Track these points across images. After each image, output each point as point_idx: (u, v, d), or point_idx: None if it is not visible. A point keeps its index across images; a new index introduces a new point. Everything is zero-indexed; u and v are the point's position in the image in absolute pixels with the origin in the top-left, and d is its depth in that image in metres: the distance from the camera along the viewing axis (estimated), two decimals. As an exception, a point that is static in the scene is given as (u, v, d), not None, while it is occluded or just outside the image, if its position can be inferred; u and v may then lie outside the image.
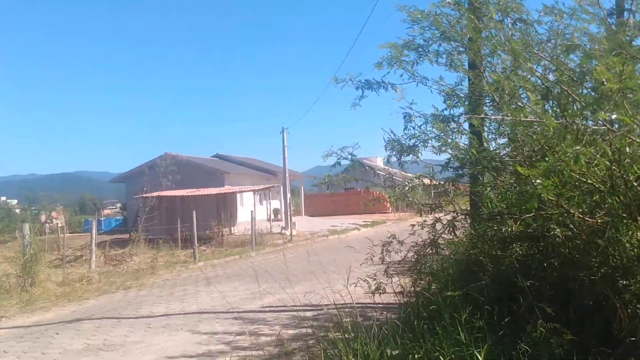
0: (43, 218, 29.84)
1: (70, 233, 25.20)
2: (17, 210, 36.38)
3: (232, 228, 27.15)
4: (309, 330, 6.22)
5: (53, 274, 13.20)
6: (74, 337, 7.48)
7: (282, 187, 32.28)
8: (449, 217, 5.28)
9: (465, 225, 5.82)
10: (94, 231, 15.38)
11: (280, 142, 29.13)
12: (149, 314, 9.04)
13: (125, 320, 8.51)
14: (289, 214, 26.57)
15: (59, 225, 28.75)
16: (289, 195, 28.90)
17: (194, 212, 18.97)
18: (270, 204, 33.90)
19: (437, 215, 5.46)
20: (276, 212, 35.75)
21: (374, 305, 6.85)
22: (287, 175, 29.38)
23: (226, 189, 29.72)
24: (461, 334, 4.11)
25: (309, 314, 6.77)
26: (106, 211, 76.63)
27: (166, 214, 26.47)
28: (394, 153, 5.54)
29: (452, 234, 5.39)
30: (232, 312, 8.27)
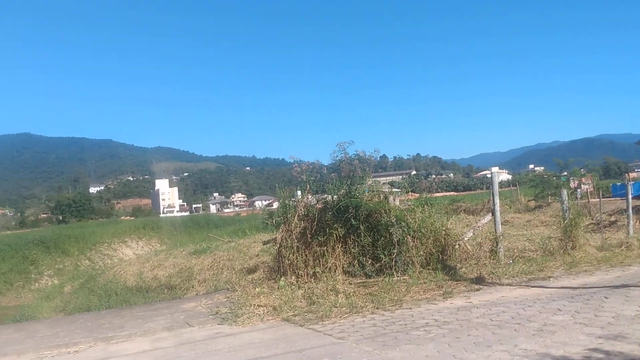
0: (573, 184, 30.53)
1: (598, 198, 24.98)
2: (545, 177, 38.39)
3: None
4: None
5: (590, 238, 13.47)
6: (624, 302, 7.44)
7: None
8: None
9: None
10: (629, 196, 14.78)
11: None
12: None
13: (679, 293, 7.90)
14: None
15: (588, 190, 28.88)
16: None
17: None
18: None
19: None
20: None
21: None
22: None
23: None
24: None
25: None
26: (632, 174, 72.18)
27: None
28: None
29: None
30: None
